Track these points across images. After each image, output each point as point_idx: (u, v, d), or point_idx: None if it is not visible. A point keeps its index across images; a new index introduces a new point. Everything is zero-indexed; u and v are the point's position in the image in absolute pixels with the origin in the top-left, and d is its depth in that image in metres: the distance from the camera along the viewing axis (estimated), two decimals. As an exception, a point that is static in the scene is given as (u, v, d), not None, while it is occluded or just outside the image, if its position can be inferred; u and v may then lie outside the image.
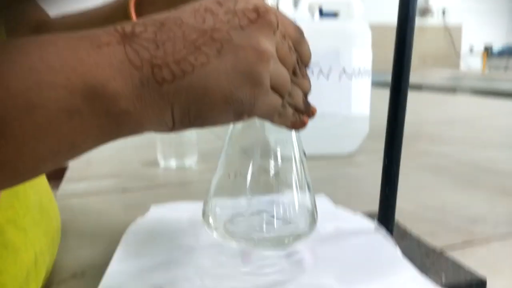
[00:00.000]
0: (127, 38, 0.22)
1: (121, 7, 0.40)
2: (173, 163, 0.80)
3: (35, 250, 0.33)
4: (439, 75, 3.49)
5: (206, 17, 0.24)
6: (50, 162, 0.21)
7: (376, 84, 1.00)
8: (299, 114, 0.30)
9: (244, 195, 0.36)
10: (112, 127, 0.21)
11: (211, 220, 0.37)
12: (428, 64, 4.55)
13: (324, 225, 0.45)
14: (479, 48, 4.25)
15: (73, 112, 0.20)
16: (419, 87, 3.43)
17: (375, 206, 0.52)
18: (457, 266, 0.38)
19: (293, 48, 0.28)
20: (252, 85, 0.24)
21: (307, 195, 0.37)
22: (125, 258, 0.39)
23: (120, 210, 0.57)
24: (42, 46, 0.20)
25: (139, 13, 0.40)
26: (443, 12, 4.56)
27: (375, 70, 0.86)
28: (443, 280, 0.35)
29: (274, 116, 0.28)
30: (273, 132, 0.37)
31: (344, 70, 0.80)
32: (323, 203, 0.56)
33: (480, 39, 4.49)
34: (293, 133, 0.37)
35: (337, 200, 0.59)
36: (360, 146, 0.89)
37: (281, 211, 0.36)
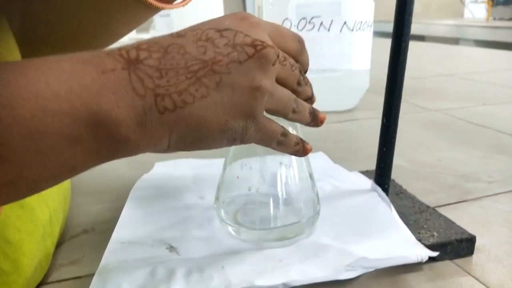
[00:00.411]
0: (132, 64, 0.22)
1: None
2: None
3: (49, 209, 0.35)
4: (442, 24, 3.42)
5: (207, 48, 0.24)
6: (50, 183, 0.22)
7: (376, 34, 0.99)
8: (303, 143, 0.32)
9: (253, 188, 0.37)
10: (110, 152, 0.22)
11: (222, 213, 0.38)
12: (431, 12, 4.44)
13: (321, 184, 0.47)
14: (485, -5, 4.13)
15: (75, 139, 0.20)
16: (421, 38, 3.38)
17: (372, 164, 0.54)
18: (449, 224, 0.40)
19: (295, 63, 0.29)
20: (245, 117, 0.25)
21: (311, 190, 0.38)
22: (133, 215, 0.41)
23: (125, 166, 0.59)
24: (48, 71, 0.20)
25: None
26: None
27: (375, 20, 0.85)
28: (435, 237, 0.37)
29: (272, 143, 0.29)
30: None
31: (345, 23, 0.79)
32: (321, 161, 0.57)
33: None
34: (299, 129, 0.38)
35: (335, 157, 0.60)
36: (360, 100, 0.89)
37: (287, 204, 0.37)
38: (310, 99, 0.32)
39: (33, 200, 0.32)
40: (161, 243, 0.36)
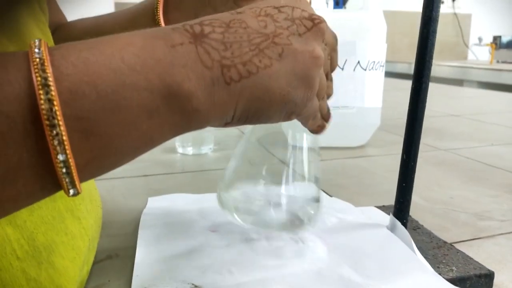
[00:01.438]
0: (197, 38, 0.23)
1: (146, 11, 0.41)
2: (190, 150, 0.82)
3: (88, 237, 0.36)
4: (446, 65, 3.49)
5: (267, 22, 0.25)
6: (129, 157, 0.22)
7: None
8: (322, 119, 0.33)
9: (258, 182, 0.39)
10: (183, 124, 0.23)
11: (226, 203, 0.39)
12: (436, 53, 4.52)
13: (340, 216, 0.48)
14: (488, 39, 4.22)
15: (152, 111, 0.21)
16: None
17: (385, 199, 0.55)
18: (467, 259, 0.40)
19: (328, 54, 0.31)
20: (306, 87, 0.26)
21: (314, 186, 0.40)
22: (148, 258, 0.40)
23: (143, 194, 0.60)
24: (122, 47, 0.21)
25: (165, 19, 0.41)
26: (453, 0, 4.52)
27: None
28: (454, 272, 0.38)
29: (310, 119, 0.31)
30: (291, 126, 0.40)
31: (359, 63, 0.82)
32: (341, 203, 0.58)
33: (489, 30, 4.45)
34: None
35: (348, 191, 0.61)
36: (371, 138, 0.91)
37: (290, 198, 0.40)
38: (329, 97, 0.34)
39: (74, 227, 0.33)
40: (185, 283, 0.36)
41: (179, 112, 0.22)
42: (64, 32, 0.43)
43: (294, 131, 0.40)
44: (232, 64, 0.23)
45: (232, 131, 1.00)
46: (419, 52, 0.40)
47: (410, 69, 3.93)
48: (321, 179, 0.42)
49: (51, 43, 0.35)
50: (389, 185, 0.67)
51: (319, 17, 0.27)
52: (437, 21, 0.39)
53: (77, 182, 0.20)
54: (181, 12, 0.41)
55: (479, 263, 0.40)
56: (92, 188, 0.41)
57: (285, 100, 0.26)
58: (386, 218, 0.49)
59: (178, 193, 0.59)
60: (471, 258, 0.41)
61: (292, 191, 0.39)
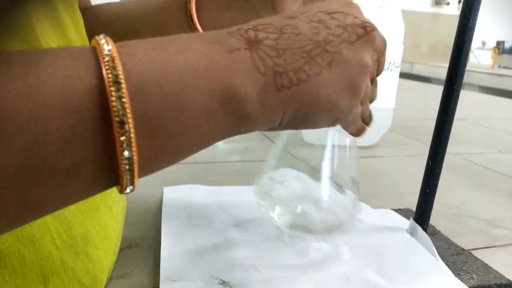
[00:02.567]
0: (252, 45, 0.23)
1: (177, 1, 0.41)
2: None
3: (118, 226, 0.36)
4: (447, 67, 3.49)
5: (319, 29, 0.25)
6: (182, 157, 0.23)
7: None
8: (362, 123, 0.33)
9: (298, 180, 0.39)
10: (234, 127, 0.23)
11: (265, 200, 0.39)
12: (438, 55, 4.54)
13: (359, 217, 0.48)
14: (491, 43, 4.23)
15: (210, 113, 0.21)
16: (427, 80, 3.45)
17: (398, 202, 0.56)
18: (486, 267, 0.41)
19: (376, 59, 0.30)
20: (352, 95, 0.26)
21: (353, 191, 0.40)
22: (173, 250, 0.40)
23: (158, 183, 0.60)
24: (185, 49, 0.21)
25: (197, 8, 0.40)
26: (459, 1, 4.53)
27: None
28: (475, 280, 0.39)
29: (352, 124, 0.31)
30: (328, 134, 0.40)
31: (374, 63, 0.82)
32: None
33: (493, 34, 4.46)
34: None
35: (361, 192, 0.62)
36: (381, 138, 0.92)
37: (328, 201, 0.39)
38: (373, 101, 0.34)
39: (106, 217, 0.33)
40: (212, 279, 0.36)
41: (233, 115, 0.22)
42: (90, 17, 0.43)
43: (334, 131, 0.40)
44: (284, 71, 0.23)
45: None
46: (453, 60, 0.40)
47: (412, 69, 3.95)
48: (359, 181, 0.42)
49: (79, 28, 0.35)
50: (400, 187, 0.68)
51: (371, 25, 0.27)
52: (473, 29, 0.39)
53: (135, 180, 0.20)
54: (213, 3, 0.40)
55: (499, 273, 0.40)
56: None
57: (332, 107, 0.26)
58: (404, 222, 0.49)
59: (191, 183, 0.59)
60: (490, 267, 0.41)
61: (333, 194, 0.39)
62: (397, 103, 0.89)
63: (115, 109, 0.18)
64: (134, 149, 0.19)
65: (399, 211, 0.53)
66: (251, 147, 0.86)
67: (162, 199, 0.53)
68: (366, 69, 0.26)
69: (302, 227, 0.39)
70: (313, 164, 0.41)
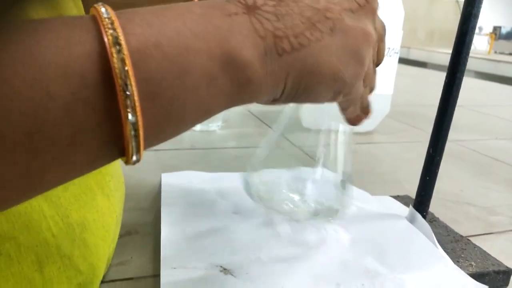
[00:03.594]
0: (251, 9, 0.22)
1: None
2: (197, 126, 0.82)
3: (116, 214, 0.35)
4: (444, 52, 3.49)
5: None
6: (186, 126, 0.22)
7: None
8: (360, 110, 0.32)
9: (286, 169, 0.39)
10: (237, 95, 0.22)
11: (253, 189, 0.39)
12: (435, 40, 4.52)
13: (358, 204, 0.48)
14: (488, 28, 4.22)
15: (212, 78, 0.20)
16: (424, 65, 3.44)
17: (397, 189, 0.56)
18: (484, 255, 0.41)
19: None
20: (356, 64, 0.25)
21: (344, 177, 0.40)
22: (174, 238, 0.40)
23: (156, 169, 0.60)
24: (183, 13, 0.21)
25: None
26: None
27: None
28: (474, 267, 0.39)
29: (352, 105, 0.30)
30: (326, 116, 0.40)
31: (372, 49, 0.81)
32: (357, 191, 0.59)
33: (490, 20, 4.45)
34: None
35: (359, 179, 0.62)
36: (379, 124, 0.91)
37: (318, 187, 0.39)
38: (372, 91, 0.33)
39: (103, 204, 0.33)
40: (213, 266, 0.36)
41: (234, 81, 0.22)
42: (91, 5, 0.42)
43: (328, 119, 0.40)
44: (284, 35, 0.23)
45: (239, 109, 0.99)
46: (456, 48, 0.39)
47: (409, 54, 3.94)
48: (351, 172, 0.42)
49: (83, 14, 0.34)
50: (398, 174, 0.68)
51: None
52: (477, 17, 0.39)
53: (141, 148, 0.19)
54: None
55: (497, 259, 0.40)
56: (117, 164, 0.41)
57: (335, 76, 0.25)
58: (403, 209, 0.49)
59: (189, 169, 0.58)
60: (488, 254, 0.41)
61: (320, 181, 0.39)
62: (394, 88, 0.89)
63: (117, 70, 0.17)
64: (138, 113, 0.18)
65: (397, 198, 0.53)
66: (248, 133, 0.85)
67: (160, 185, 0.53)
68: (369, 36, 0.25)
69: (286, 213, 0.39)
70: (306, 150, 0.41)
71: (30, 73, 0.16)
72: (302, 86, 0.24)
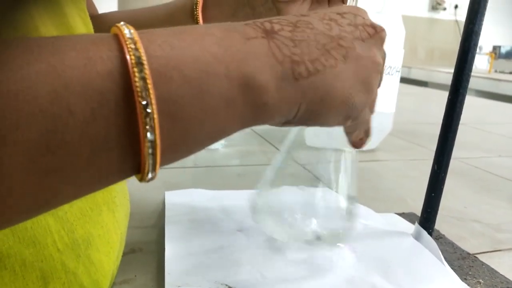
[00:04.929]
0: (269, 34, 0.23)
1: (184, 7, 0.41)
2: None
3: (121, 231, 0.35)
4: (444, 72, 3.51)
5: (332, 26, 0.25)
6: (202, 146, 0.22)
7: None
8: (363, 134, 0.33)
9: (291, 191, 0.39)
10: (252, 117, 0.23)
11: (259, 212, 0.39)
12: (435, 59, 4.56)
13: (363, 222, 0.48)
14: (488, 48, 4.26)
15: (229, 100, 0.21)
16: (424, 84, 3.46)
17: (401, 206, 0.55)
18: (492, 272, 0.41)
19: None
20: (366, 91, 0.26)
21: (350, 201, 0.40)
22: (178, 255, 0.40)
23: (159, 187, 0.60)
24: (202, 36, 0.21)
25: (204, 16, 0.40)
26: (456, 7, 4.55)
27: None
28: (482, 284, 0.38)
29: (357, 129, 0.31)
30: (330, 139, 0.40)
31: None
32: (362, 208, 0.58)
33: (490, 39, 4.49)
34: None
35: (364, 195, 0.61)
36: (381, 142, 0.91)
37: (322, 211, 0.39)
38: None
39: (109, 220, 0.33)
40: (218, 285, 0.35)
41: (250, 104, 0.22)
42: (97, 25, 0.43)
43: (333, 143, 0.40)
44: (301, 60, 0.23)
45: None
46: (459, 65, 0.40)
47: (409, 73, 3.97)
48: (356, 195, 0.41)
49: (91, 31, 0.35)
50: (402, 191, 0.68)
51: (380, 26, 0.28)
52: (479, 34, 0.39)
53: (157, 166, 0.19)
54: (219, 10, 0.40)
55: (505, 277, 0.40)
56: (123, 180, 0.41)
57: (346, 102, 0.25)
58: (408, 226, 0.49)
59: (193, 187, 0.58)
60: (496, 271, 0.41)
61: (325, 205, 0.39)
62: (396, 107, 0.90)
63: (138, 89, 0.18)
64: (157, 131, 0.18)
65: (402, 215, 0.53)
66: (251, 151, 0.85)
67: (164, 203, 0.53)
68: (378, 66, 0.26)
69: (295, 239, 0.38)
70: (310, 169, 0.41)
71: (54, 91, 0.17)
72: (315, 110, 0.25)
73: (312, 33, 0.24)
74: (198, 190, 0.57)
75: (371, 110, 0.32)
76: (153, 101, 0.18)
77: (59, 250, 0.28)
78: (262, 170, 0.75)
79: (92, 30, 0.35)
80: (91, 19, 0.43)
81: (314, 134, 0.69)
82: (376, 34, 0.27)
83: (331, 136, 0.41)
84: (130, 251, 0.43)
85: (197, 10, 0.40)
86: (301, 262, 0.39)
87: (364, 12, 0.28)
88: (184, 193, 0.55)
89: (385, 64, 0.32)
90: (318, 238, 0.38)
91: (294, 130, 0.43)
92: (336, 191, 0.40)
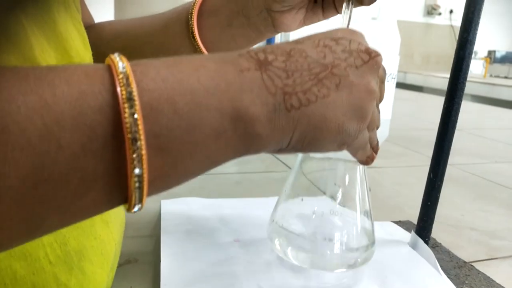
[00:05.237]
0: (262, 65, 0.23)
1: (179, 17, 0.41)
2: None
3: (115, 242, 0.35)
4: (440, 77, 3.53)
5: (326, 53, 0.26)
6: (193, 176, 0.22)
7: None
8: (371, 150, 0.33)
9: (309, 219, 0.38)
10: (244, 148, 0.23)
11: (276, 240, 0.38)
12: (431, 64, 4.58)
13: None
14: (483, 53, 4.29)
15: (220, 132, 0.21)
16: (420, 89, 3.47)
17: (397, 214, 0.55)
18: (488, 281, 0.41)
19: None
20: (359, 119, 0.26)
21: (368, 226, 0.39)
22: (174, 266, 0.39)
23: (155, 197, 0.59)
24: (197, 68, 0.21)
25: (199, 25, 0.40)
26: (451, 12, 4.58)
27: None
28: (479, 294, 0.38)
29: (360, 150, 0.31)
30: (341, 161, 0.38)
31: (370, 74, 0.82)
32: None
33: (485, 44, 4.52)
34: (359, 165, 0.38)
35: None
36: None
37: (342, 238, 0.37)
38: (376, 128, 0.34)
39: (103, 232, 0.33)
40: None
41: (242, 136, 0.22)
42: (93, 34, 0.43)
43: (344, 164, 0.38)
44: (294, 92, 0.24)
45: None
46: (454, 73, 0.40)
47: (405, 78, 3.98)
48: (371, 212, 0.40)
49: (87, 44, 0.35)
50: (399, 198, 0.68)
51: (376, 51, 0.28)
52: (474, 43, 0.39)
53: (144, 198, 0.19)
54: (215, 20, 0.40)
55: (502, 286, 0.40)
56: None
57: (339, 130, 0.26)
58: (405, 234, 0.49)
59: (190, 196, 0.58)
60: (493, 280, 0.41)
61: (346, 227, 0.38)
62: (392, 113, 0.90)
63: (127, 125, 0.18)
64: (144, 166, 0.18)
65: (399, 223, 0.53)
66: (249, 159, 0.85)
67: (160, 212, 0.53)
68: (372, 93, 0.27)
69: (318, 266, 0.37)
70: (323, 189, 0.39)
71: (45, 125, 0.17)
72: (308, 139, 0.25)
73: (306, 62, 0.25)
74: (194, 198, 0.57)
75: (375, 127, 0.32)
76: (142, 137, 0.18)
77: (51, 263, 0.28)
78: (259, 178, 0.75)
79: (87, 41, 0.35)
80: (88, 29, 0.43)
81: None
82: (370, 60, 0.27)
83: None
84: (126, 262, 0.43)
85: (192, 20, 0.40)
86: (298, 274, 0.39)
87: (360, 36, 0.29)
88: (180, 202, 0.55)
89: (385, 80, 0.32)
90: (342, 264, 0.37)
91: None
92: (356, 209, 0.38)
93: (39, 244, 0.27)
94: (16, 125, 0.16)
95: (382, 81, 0.31)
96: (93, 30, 0.44)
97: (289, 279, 0.38)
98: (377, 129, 0.33)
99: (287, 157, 0.86)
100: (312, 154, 0.39)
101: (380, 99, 0.32)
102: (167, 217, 0.49)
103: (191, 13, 0.40)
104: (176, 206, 0.53)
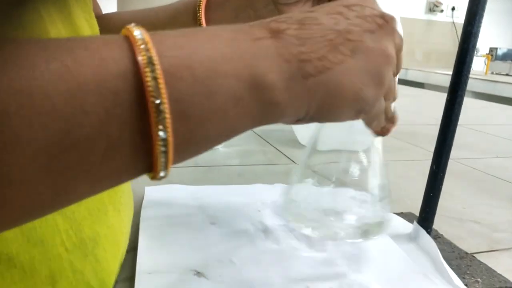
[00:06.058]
0: (275, 34, 0.23)
1: (187, 9, 0.42)
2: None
3: (126, 230, 0.36)
4: (442, 73, 3.52)
5: (339, 20, 0.25)
6: (213, 144, 0.22)
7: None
8: (386, 121, 0.33)
9: (324, 190, 0.39)
10: (261, 116, 0.23)
11: (290, 209, 0.39)
12: (432, 61, 4.58)
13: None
14: (484, 50, 4.28)
15: (238, 99, 0.21)
16: (421, 85, 3.47)
17: (399, 206, 0.56)
18: (490, 271, 0.41)
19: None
20: (377, 85, 0.26)
21: (384, 198, 0.40)
22: (151, 246, 0.41)
23: (159, 185, 0.60)
24: (212, 37, 0.21)
25: (207, 18, 0.41)
26: (453, 9, 4.57)
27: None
28: (480, 284, 0.39)
29: (375, 120, 0.31)
30: (358, 134, 0.39)
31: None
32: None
33: (486, 41, 4.51)
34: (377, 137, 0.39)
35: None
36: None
37: (355, 209, 0.38)
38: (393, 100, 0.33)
39: (115, 220, 0.33)
40: (187, 270, 0.37)
41: (260, 103, 0.22)
42: (101, 25, 0.43)
43: (361, 137, 0.39)
44: (309, 58, 0.23)
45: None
46: (457, 66, 0.40)
47: (406, 75, 3.98)
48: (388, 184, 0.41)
49: (97, 33, 0.35)
50: (400, 192, 0.68)
51: (390, 15, 0.27)
52: (477, 36, 0.40)
53: (169, 164, 0.20)
54: (222, 13, 0.41)
55: (503, 276, 0.41)
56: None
57: (357, 96, 0.25)
58: (407, 225, 0.49)
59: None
60: (494, 271, 0.41)
61: (362, 197, 0.39)
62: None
63: (150, 89, 0.18)
64: (169, 129, 0.19)
65: (401, 214, 0.54)
66: (251, 151, 0.86)
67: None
68: (389, 58, 0.26)
69: (332, 236, 0.38)
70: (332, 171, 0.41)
71: (69, 90, 0.17)
72: (326, 107, 0.25)
73: (319, 29, 0.24)
74: (177, 185, 0.58)
75: (391, 98, 0.31)
76: (165, 100, 0.18)
77: (67, 250, 0.28)
78: (261, 170, 0.75)
79: (98, 32, 0.35)
80: (96, 19, 0.43)
81: (306, 132, 0.68)
82: (386, 24, 0.26)
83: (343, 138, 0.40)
84: (132, 249, 0.43)
85: (200, 12, 0.40)
86: (272, 251, 0.40)
87: (373, 2, 0.28)
88: (164, 189, 0.56)
89: (402, 48, 0.31)
90: (356, 234, 0.38)
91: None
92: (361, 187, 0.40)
93: (55, 231, 0.28)
94: (40, 89, 0.16)
95: (399, 49, 0.30)
96: (100, 21, 0.45)
97: (262, 255, 0.39)
98: (394, 100, 0.33)
99: (289, 150, 0.86)
100: (320, 145, 0.40)
101: (398, 70, 0.31)
102: (148, 204, 0.50)
103: (199, 5, 0.41)
104: (158, 193, 0.54)
